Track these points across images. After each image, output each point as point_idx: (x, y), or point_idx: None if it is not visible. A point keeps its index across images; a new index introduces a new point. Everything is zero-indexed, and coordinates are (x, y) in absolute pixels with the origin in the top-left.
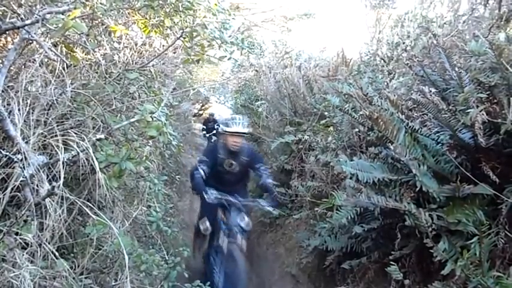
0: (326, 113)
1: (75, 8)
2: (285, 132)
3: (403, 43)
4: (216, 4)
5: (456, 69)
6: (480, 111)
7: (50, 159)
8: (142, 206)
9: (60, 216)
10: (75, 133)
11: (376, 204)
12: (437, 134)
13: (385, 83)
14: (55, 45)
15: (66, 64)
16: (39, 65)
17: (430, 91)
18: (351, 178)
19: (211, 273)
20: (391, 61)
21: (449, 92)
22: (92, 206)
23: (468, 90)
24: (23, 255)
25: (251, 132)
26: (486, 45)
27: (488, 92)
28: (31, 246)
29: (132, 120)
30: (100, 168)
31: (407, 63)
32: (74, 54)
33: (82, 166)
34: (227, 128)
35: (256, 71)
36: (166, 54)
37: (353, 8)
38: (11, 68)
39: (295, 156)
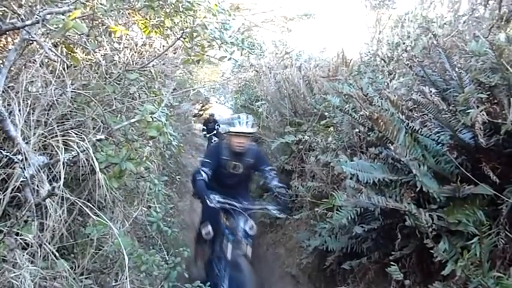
0: (326, 114)
1: (75, 9)
2: (285, 132)
3: (403, 43)
4: (216, 4)
5: (456, 69)
6: (480, 112)
7: (50, 159)
8: (143, 206)
9: (60, 216)
10: (76, 133)
11: (377, 205)
12: (437, 135)
13: (386, 84)
14: (55, 45)
15: (67, 64)
16: (40, 66)
17: (431, 91)
18: (351, 178)
19: (214, 281)
20: (391, 61)
21: (449, 92)
22: (92, 206)
23: (468, 91)
24: (24, 255)
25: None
26: (486, 45)
27: (488, 93)
28: (31, 246)
29: (132, 120)
30: (100, 169)
31: (408, 64)
32: (74, 54)
33: (82, 166)
34: (231, 127)
35: (257, 71)
36: (166, 54)
37: (353, 8)
38: (12, 68)
39: (295, 156)
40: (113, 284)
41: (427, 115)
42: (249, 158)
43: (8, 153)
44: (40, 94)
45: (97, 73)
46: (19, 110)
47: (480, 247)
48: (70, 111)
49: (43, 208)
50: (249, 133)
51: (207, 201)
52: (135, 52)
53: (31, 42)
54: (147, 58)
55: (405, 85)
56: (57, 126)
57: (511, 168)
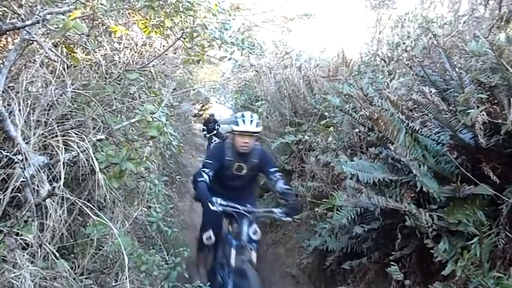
0: (326, 114)
1: (75, 9)
2: (285, 132)
3: (404, 43)
4: (216, 5)
5: (456, 69)
6: (480, 112)
7: (50, 159)
8: (143, 206)
9: (60, 216)
10: (76, 133)
11: (377, 205)
12: (437, 135)
13: (386, 84)
14: (55, 45)
15: (67, 64)
16: (40, 66)
17: (431, 91)
18: (351, 178)
19: None
20: (391, 61)
21: (449, 92)
22: (92, 206)
23: (468, 91)
24: (24, 255)
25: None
26: (486, 45)
27: (488, 93)
28: (31, 246)
29: (132, 120)
30: (100, 169)
31: (408, 64)
32: (75, 54)
33: (82, 167)
34: (236, 126)
35: (257, 71)
36: (166, 54)
37: (353, 8)
38: (12, 68)
39: (295, 156)
40: (113, 284)
41: (427, 115)
42: (253, 159)
43: (8, 153)
44: (40, 94)
45: (97, 73)
46: (19, 110)
47: (480, 247)
48: (70, 111)
49: (43, 208)
50: (254, 132)
51: (209, 204)
52: (135, 52)
53: (31, 42)
54: (147, 58)
55: (405, 85)
56: (57, 126)
57: (511, 169)
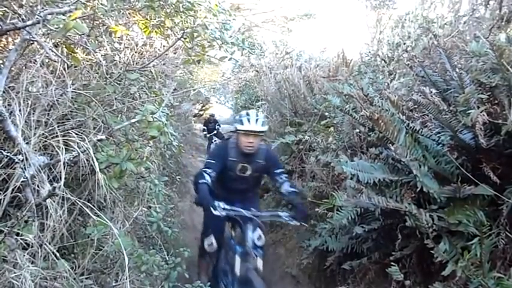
0: (326, 114)
1: (76, 9)
2: (286, 132)
3: (404, 44)
4: (216, 5)
5: (457, 70)
6: (481, 112)
7: (50, 159)
8: (143, 206)
9: (60, 216)
10: (76, 134)
11: (377, 205)
12: (438, 135)
13: (386, 84)
14: (56, 45)
15: (67, 65)
16: (40, 66)
17: (431, 92)
18: (351, 179)
19: None
20: (391, 62)
21: (450, 92)
22: (93, 206)
23: (469, 91)
24: (24, 255)
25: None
26: (487, 46)
27: (489, 93)
28: (32, 246)
29: (133, 120)
30: (101, 169)
31: (408, 64)
32: (75, 54)
33: (83, 167)
34: (240, 125)
35: (257, 71)
36: (167, 54)
37: (353, 8)
38: (12, 68)
39: (295, 156)
40: (113, 284)
41: (428, 115)
42: (259, 160)
43: (8, 154)
44: (41, 94)
45: (97, 73)
46: (20, 110)
47: (480, 247)
48: (70, 111)
49: (43, 208)
50: (260, 132)
51: (211, 208)
52: (136, 52)
53: (32, 42)
54: (148, 58)
55: (406, 85)
56: (58, 126)
57: (511, 169)
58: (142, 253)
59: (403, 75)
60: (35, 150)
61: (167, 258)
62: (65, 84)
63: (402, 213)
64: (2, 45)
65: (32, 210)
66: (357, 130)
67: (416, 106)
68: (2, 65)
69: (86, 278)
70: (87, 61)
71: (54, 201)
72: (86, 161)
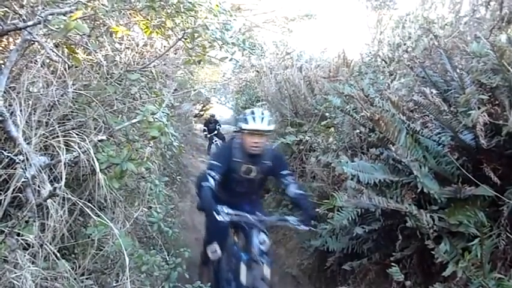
0: (327, 114)
1: (77, 9)
2: (286, 133)
3: (404, 44)
4: (217, 5)
5: (457, 70)
6: (481, 113)
7: (51, 160)
8: (143, 206)
9: (61, 217)
10: (77, 134)
11: (377, 206)
12: (438, 136)
13: (386, 84)
14: (57, 46)
15: (68, 65)
16: (41, 66)
17: (431, 92)
18: (352, 179)
19: None
20: (392, 62)
21: (450, 93)
22: (93, 207)
23: (469, 92)
24: (25, 256)
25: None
26: (487, 46)
27: (489, 94)
28: (32, 247)
29: (133, 121)
30: (101, 169)
31: (409, 65)
32: (76, 55)
33: (83, 167)
34: (245, 124)
35: (257, 71)
36: (167, 55)
37: (354, 9)
38: (13, 69)
39: (296, 157)
40: (114, 284)
41: (428, 116)
42: (265, 161)
43: (9, 154)
44: (41, 94)
45: (98, 73)
46: (20, 111)
47: (481, 248)
48: (71, 111)
49: (44, 208)
50: (266, 131)
51: (216, 217)
52: (136, 52)
53: (33, 42)
54: (148, 58)
55: (406, 86)
56: (59, 126)
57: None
58: (142, 253)
59: (404, 75)
60: (36, 151)
61: (168, 259)
62: (66, 85)
63: (403, 214)
64: (3, 45)
65: (32, 210)
66: (358, 131)
67: (416, 107)
68: (3, 65)
69: (87, 279)
70: (88, 61)
71: (54, 202)
72: (86, 162)
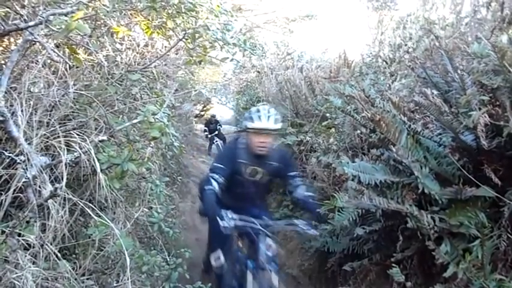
0: (328, 115)
1: (78, 10)
2: (287, 133)
3: (405, 45)
4: (218, 5)
5: (458, 71)
6: (482, 114)
7: (52, 160)
8: (144, 207)
9: (62, 217)
10: (78, 134)
11: (378, 206)
12: (439, 136)
13: (387, 85)
14: (58, 46)
15: (69, 65)
16: (42, 66)
17: (432, 93)
18: (352, 180)
19: None
20: (393, 63)
21: (451, 94)
22: (94, 207)
23: (470, 93)
24: (26, 256)
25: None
26: (488, 47)
27: (490, 95)
28: (33, 247)
29: (134, 121)
30: (102, 170)
31: (410, 65)
32: (77, 55)
33: (84, 167)
34: (250, 123)
35: (258, 72)
36: (168, 55)
37: (355, 9)
38: (14, 69)
39: (296, 157)
40: (115, 284)
41: (429, 117)
42: (272, 161)
43: (10, 154)
44: (42, 95)
45: (99, 74)
46: (21, 111)
47: (482, 249)
48: (72, 111)
49: (45, 209)
50: (274, 130)
51: (220, 223)
52: (137, 53)
53: (34, 43)
54: (149, 59)
55: (407, 87)
56: (60, 126)
57: None
58: (143, 254)
59: (405, 76)
60: (37, 151)
61: (168, 259)
62: (67, 85)
63: (403, 215)
64: (4, 45)
65: (33, 210)
66: (358, 131)
67: (417, 107)
68: (4, 66)
69: (87, 279)
70: (89, 62)
71: (55, 202)
72: (87, 162)
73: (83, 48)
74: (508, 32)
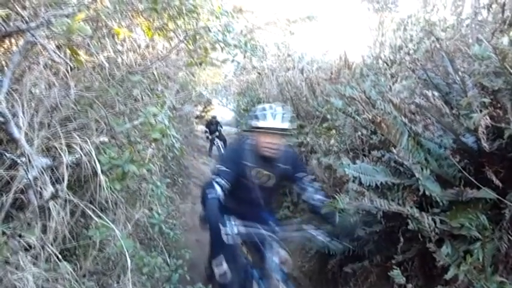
0: (328, 116)
1: (79, 11)
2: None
3: (406, 46)
4: (219, 7)
5: (459, 73)
6: (483, 116)
7: (53, 161)
8: (145, 208)
9: (63, 218)
10: (79, 135)
11: (379, 208)
12: (440, 138)
13: (388, 87)
14: (59, 47)
15: (70, 67)
16: (43, 68)
17: (433, 95)
18: (353, 181)
19: None
20: (394, 64)
21: (452, 96)
22: (95, 208)
23: (471, 95)
24: (27, 257)
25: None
26: (489, 49)
27: (491, 97)
28: (34, 248)
29: (135, 122)
30: (103, 171)
31: (410, 67)
32: (78, 57)
33: (85, 169)
34: (257, 122)
35: (259, 73)
36: (169, 56)
37: (356, 11)
38: (16, 70)
39: None
40: (115, 286)
41: (430, 119)
42: (281, 164)
43: (11, 155)
44: (44, 96)
45: (100, 75)
46: (23, 112)
47: (483, 251)
48: (73, 113)
49: (46, 210)
50: (282, 129)
51: (222, 231)
52: (138, 54)
53: (35, 44)
54: (150, 60)
55: (408, 88)
56: (61, 128)
57: None
58: (144, 255)
59: (406, 78)
60: (38, 152)
61: (169, 260)
62: (68, 86)
63: (404, 217)
64: (6, 47)
65: (34, 212)
66: (359, 133)
67: (418, 109)
68: (5, 67)
69: (88, 280)
70: (90, 63)
71: (56, 203)
72: (88, 163)
73: (84, 49)
74: (509, 34)
